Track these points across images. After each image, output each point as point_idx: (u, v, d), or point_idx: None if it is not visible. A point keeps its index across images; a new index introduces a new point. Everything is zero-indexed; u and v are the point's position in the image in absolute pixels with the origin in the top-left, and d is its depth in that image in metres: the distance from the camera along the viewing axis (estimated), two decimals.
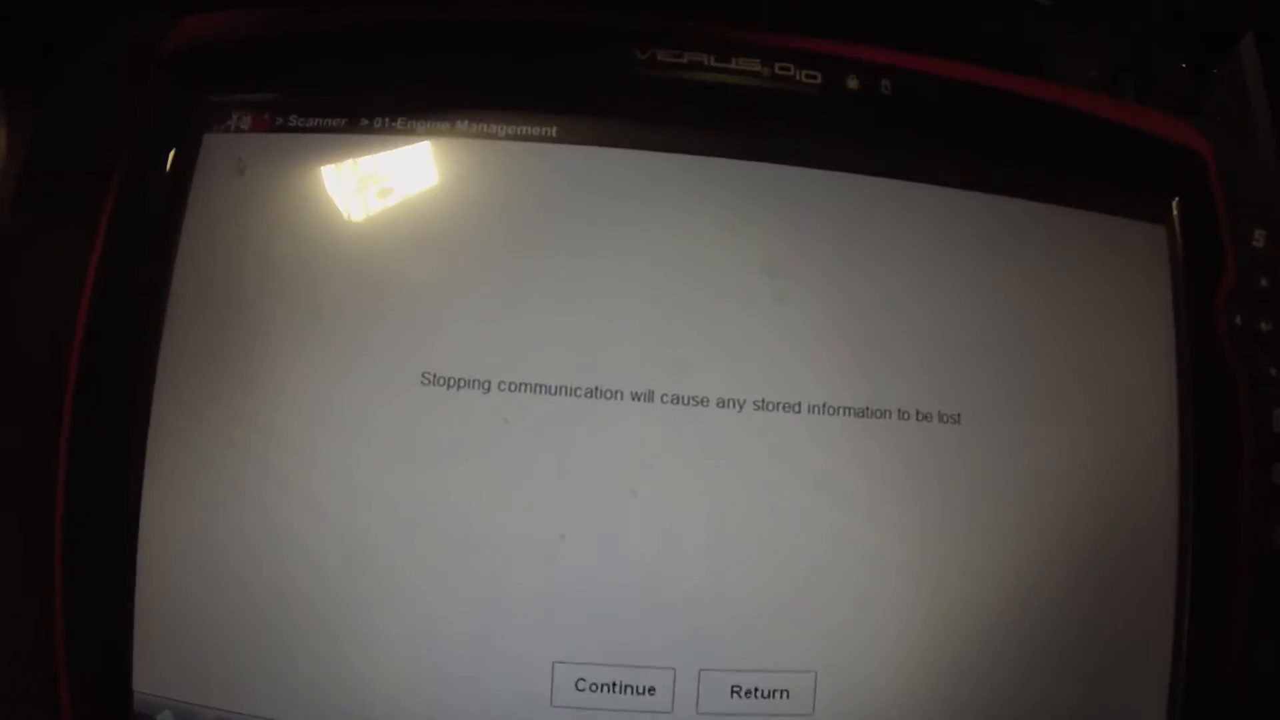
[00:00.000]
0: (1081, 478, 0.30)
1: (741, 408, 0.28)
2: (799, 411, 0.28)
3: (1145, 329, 0.32)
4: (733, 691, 0.27)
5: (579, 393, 0.27)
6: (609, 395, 0.27)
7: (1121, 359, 0.31)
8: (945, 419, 0.29)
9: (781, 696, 0.27)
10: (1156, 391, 0.31)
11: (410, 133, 0.29)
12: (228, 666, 0.27)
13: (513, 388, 0.27)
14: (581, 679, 0.27)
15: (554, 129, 0.29)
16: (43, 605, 0.28)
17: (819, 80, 0.30)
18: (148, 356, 0.28)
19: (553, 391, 0.27)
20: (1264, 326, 0.33)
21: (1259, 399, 0.33)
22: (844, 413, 0.28)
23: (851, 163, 0.30)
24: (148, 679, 0.28)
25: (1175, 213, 0.32)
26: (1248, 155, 0.36)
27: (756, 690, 0.27)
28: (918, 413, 0.29)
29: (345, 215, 0.29)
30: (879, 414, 0.29)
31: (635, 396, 0.27)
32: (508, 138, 0.29)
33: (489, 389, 0.27)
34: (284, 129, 0.29)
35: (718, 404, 0.28)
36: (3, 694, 0.28)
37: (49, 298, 0.29)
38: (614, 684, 0.27)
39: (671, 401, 0.28)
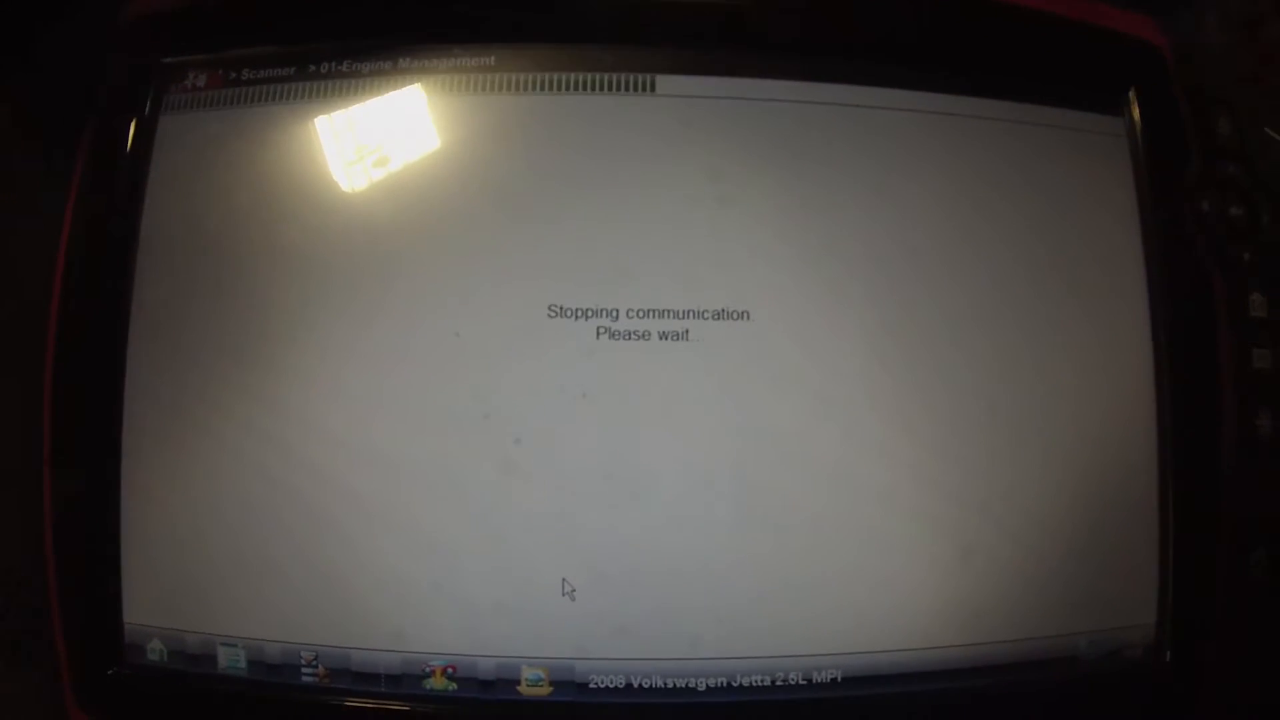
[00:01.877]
0: (1058, 382, 0.31)
1: (685, 316, 0.29)
2: (747, 320, 0.29)
3: (1112, 223, 0.32)
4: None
5: (529, 305, 0.29)
6: (560, 311, 0.29)
7: (1090, 256, 0.32)
8: (898, 307, 0.30)
9: None
10: (1128, 285, 0.32)
11: (356, 74, 0.31)
12: (209, 595, 0.30)
13: (468, 303, 0.29)
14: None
15: (492, 58, 0.30)
16: (34, 545, 0.30)
17: None
18: (122, 311, 0.30)
19: (502, 305, 0.29)
20: (1234, 212, 0.34)
21: (1234, 285, 0.33)
22: (791, 313, 0.29)
23: (794, 70, 0.31)
24: (137, 610, 0.30)
25: (1132, 103, 0.33)
26: (1210, 45, 0.37)
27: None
28: (877, 304, 0.30)
29: (301, 162, 0.31)
30: (834, 313, 0.30)
31: (581, 311, 0.29)
32: (448, 70, 0.31)
33: (437, 305, 0.29)
34: (238, 83, 0.31)
35: (657, 314, 0.29)
36: (2, 633, 0.31)
37: (28, 261, 0.32)
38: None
39: (613, 315, 0.29)
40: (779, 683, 0.29)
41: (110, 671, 0.30)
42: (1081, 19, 0.34)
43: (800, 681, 0.29)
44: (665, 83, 0.30)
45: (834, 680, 0.29)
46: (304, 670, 0.29)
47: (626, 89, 0.30)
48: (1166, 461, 0.31)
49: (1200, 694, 0.32)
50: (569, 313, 0.29)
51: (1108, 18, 0.35)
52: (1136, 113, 0.33)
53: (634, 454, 0.29)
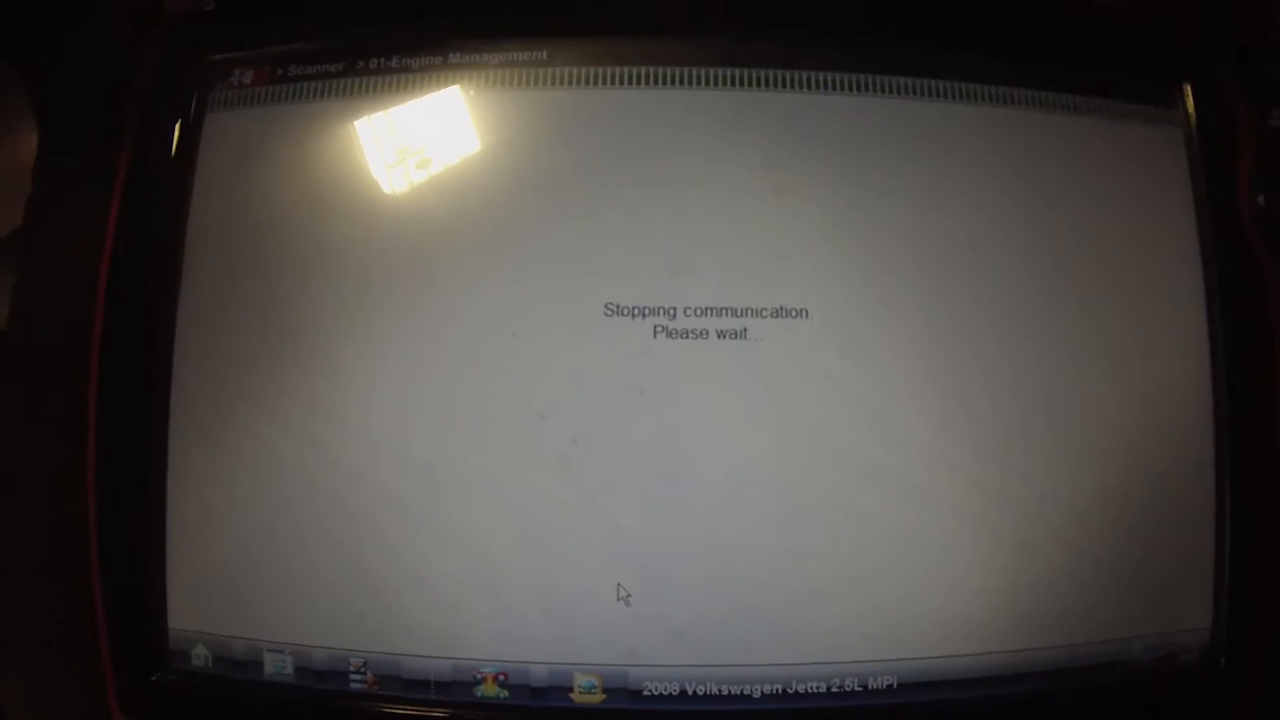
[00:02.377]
0: (1113, 380, 0.31)
1: (741, 314, 0.29)
2: (811, 307, 0.29)
3: (1167, 217, 0.32)
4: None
5: (584, 304, 0.29)
6: (614, 309, 0.29)
7: (1145, 251, 0.32)
8: (949, 308, 0.30)
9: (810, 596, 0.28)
10: (1184, 279, 0.32)
11: (406, 69, 0.31)
12: (256, 600, 0.29)
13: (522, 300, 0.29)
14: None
15: (545, 53, 0.30)
16: (79, 553, 0.30)
17: None
18: (169, 308, 0.30)
19: (558, 303, 0.29)
20: None
21: None
22: (846, 311, 0.29)
23: (848, 62, 0.31)
24: (182, 616, 0.30)
25: (1187, 95, 0.33)
26: (1265, 37, 0.37)
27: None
28: (929, 304, 0.30)
29: (350, 158, 0.31)
30: (890, 306, 0.29)
31: (635, 309, 0.29)
32: (500, 65, 0.30)
33: (491, 303, 0.29)
34: (284, 79, 0.31)
35: (726, 312, 0.29)
36: (45, 638, 0.31)
37: (73, 262, 0.32)
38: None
39: (667, 314, 0.29)
40: (835, 689, 0.29)
41: (154, 677, 0.30)
42: (1137, 12, 0.34)
43: (856, 688, 0.29)
44: (721, 75, 0.30)
45: (889, 686, 0.29)
46: (352, 677, 0.29)
47: (679, 83, 0.30)
48: (1223, 461, 0.31)
49: (1255, 699, 0.32)
50: (625, 311, 0.29)
51: (1161, 9, 0.34)
52: (1191, 105, 0.33)
53: (691, 455, 0.29)
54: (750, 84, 0.30)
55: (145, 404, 0.30)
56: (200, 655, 0.30)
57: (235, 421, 0.30)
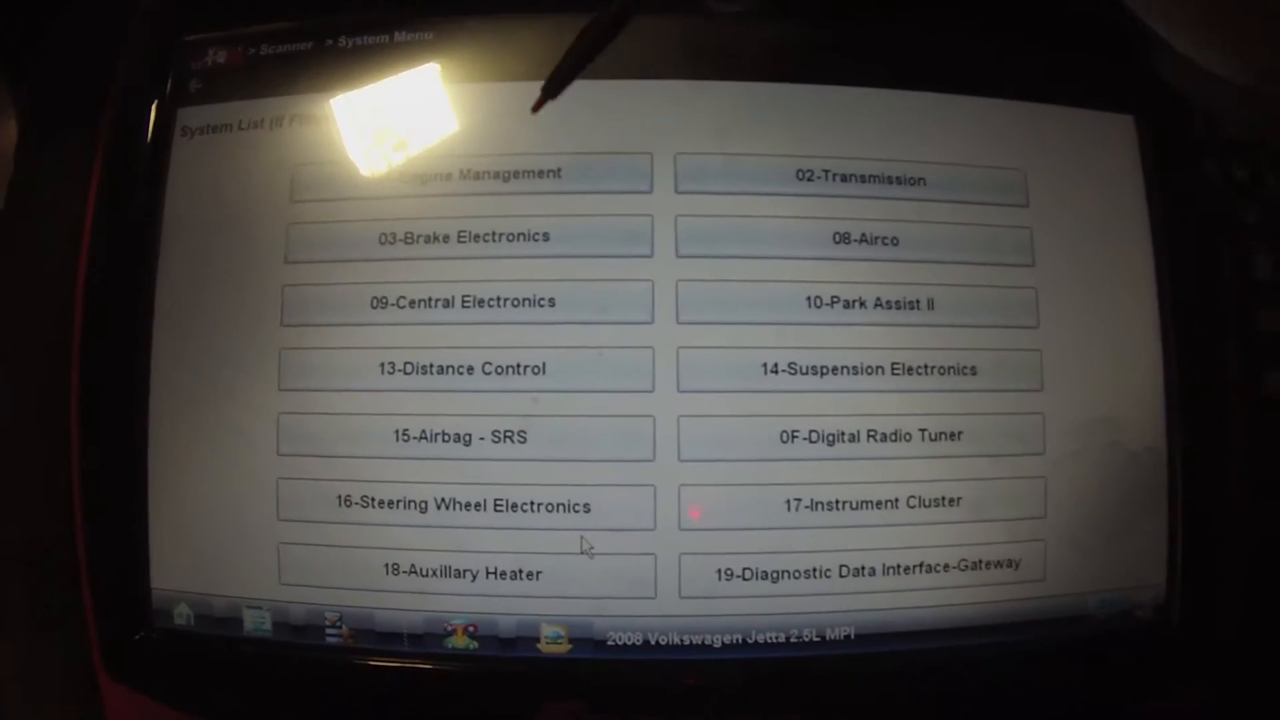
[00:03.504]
0: (1066, 343, 0.32)
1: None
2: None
3: (1117, 187, 0.33)
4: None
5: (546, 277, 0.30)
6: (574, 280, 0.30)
7: (1095, 219, 0.33)
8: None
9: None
10: (1134, 246, 0.33)
11: (377, 48, 0.32)
12: (234, 559, 0.31)
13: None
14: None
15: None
16: (63, 517, 0.32)
17: None
18: (147, 286, 0.32)
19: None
20: (1239, 174, 0.35)
21: (1239, 246, 0.34)
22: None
23: (810, 74, 0.32)
24: (164, 576, 0.31)
25: (1141, 81, 0.34)
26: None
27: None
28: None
29: (322, 136, 0.32)
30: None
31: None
32: (473, 45, 0.32)
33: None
34: (256, 58, 0.33)
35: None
36: (29, 597, 0.32)
37: (54, 239, 0.33)
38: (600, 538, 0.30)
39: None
40: (793, 639, 0.30)
41: (138, 636, 0.31)
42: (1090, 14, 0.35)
43: (814, 638, 0.30)
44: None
45: (847, 637, 0.31)
46: (328, 631, 0.31)
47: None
48: (1175, 423, 0.32)
49: (1209, 654, 0.33)
50: (585, 279, 0.30)
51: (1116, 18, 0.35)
52: (1146, 113, 0.33)
53: (649, 409, 0.30)
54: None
55: (126, 374, 0.31)
56: (182, 614, 0.31)
57: (212, 391, 0.31)
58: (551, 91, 0.26)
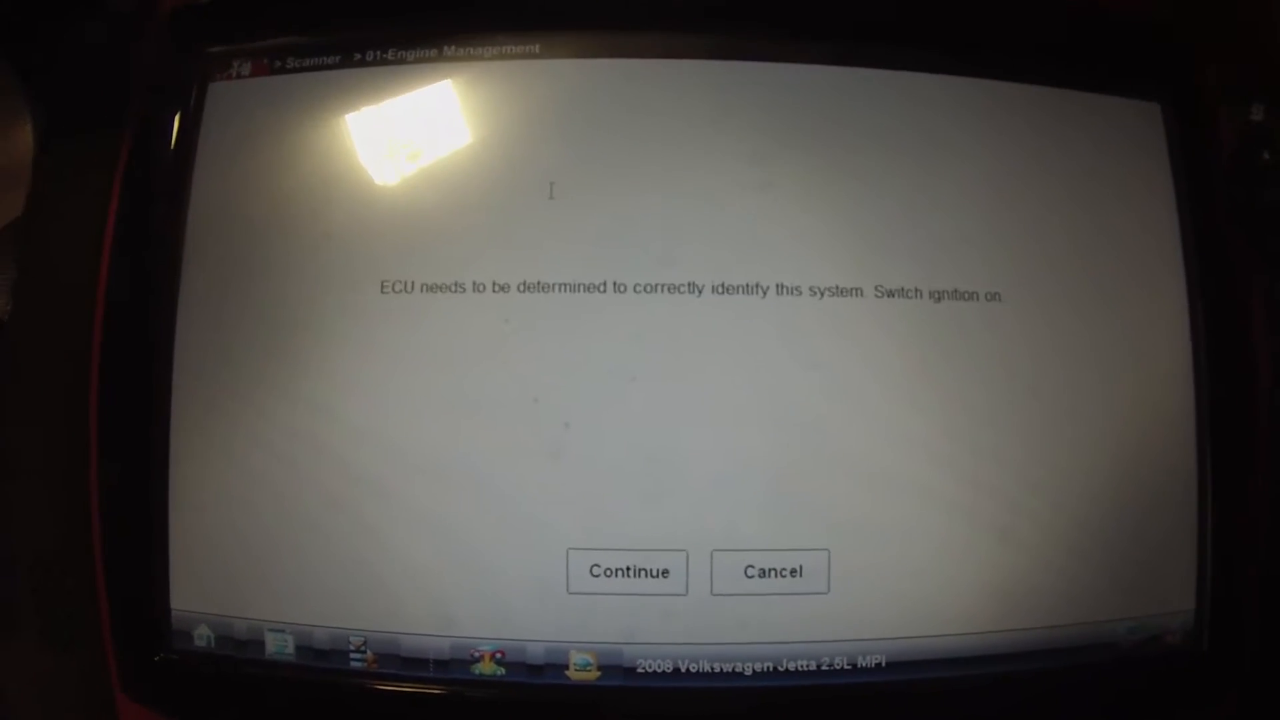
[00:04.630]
0: (1097, 369, 0.32)
1: (734, 292, 0.30)
2: (799, 294, 0.30)
3: (1150, 210, 0.33)
4: (746, 572, 0.30)
5: (576, 289, 0.30)
6: (603, 289, 0.30)
7: (1128, 245, 0.33)
8: (936, 296, 0.31)
9: (795, 575, 0.30)
10: (1166, 271, 0.33)
11: (401, 62, 0.32)
12: (258, 581, 0.31)
13: (515, 288, 0.30)
14: (596, 565, 0.30)
15: (537, 46, 0.32)
16: (82, 537, 0.32)
17: None
18: (169, 301, 0.32)
19: (551, 289, 0.30)
20: (1269, 197, 0.35)
21: (1271, 270, 0.34)
22: (845, 293, 0.31)
23: (831, 55, 0.32)
24: (184, 597, 0.31)
25: (1168, 90, 0.34)
26: (1245, 34, 0.38)
27: (770, 570, 0.30)
28: (919, 291, 0.31)
29: (346, 148, 0.32)
30: (886, 293, 0.31)
31: (631, 288, 0.30)
32: (494, 58, 0.32)
33: (485, 290, 0.30)
34: (282, 71, 0.33)
35: (711, 289, 0.30)
36: (46, 617, 0.32)
37: (73, 252, 0.33)
38: (627, 568, 0.30)
39: (665, 290, 0.30)
40: (825, 667, 0.30)
41: (157, 657, 0.31)
42: (1116, 6, 0.35)
43: (845, 666, 0.30)
44: (708, 68, 0.32)
45: (878, 665, 0.31)
46: (352, 656, 0.30)
47: (669, 75, 0.31)
48: (1205, 448, 0.32)
49: (1238, 679, 0.33)
50: (620, 289, 0.30)
51: (1142, 6, 0.36)
52: (1172, 101, 0.34)
53: (682, 442, 0.30)
54: (736, 76, 0.32)
55: (147, 389, 0.31)
56: (202, 635, 0.31)
57: (235, 406, 0.31)
58: None
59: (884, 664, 0.31)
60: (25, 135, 0.46)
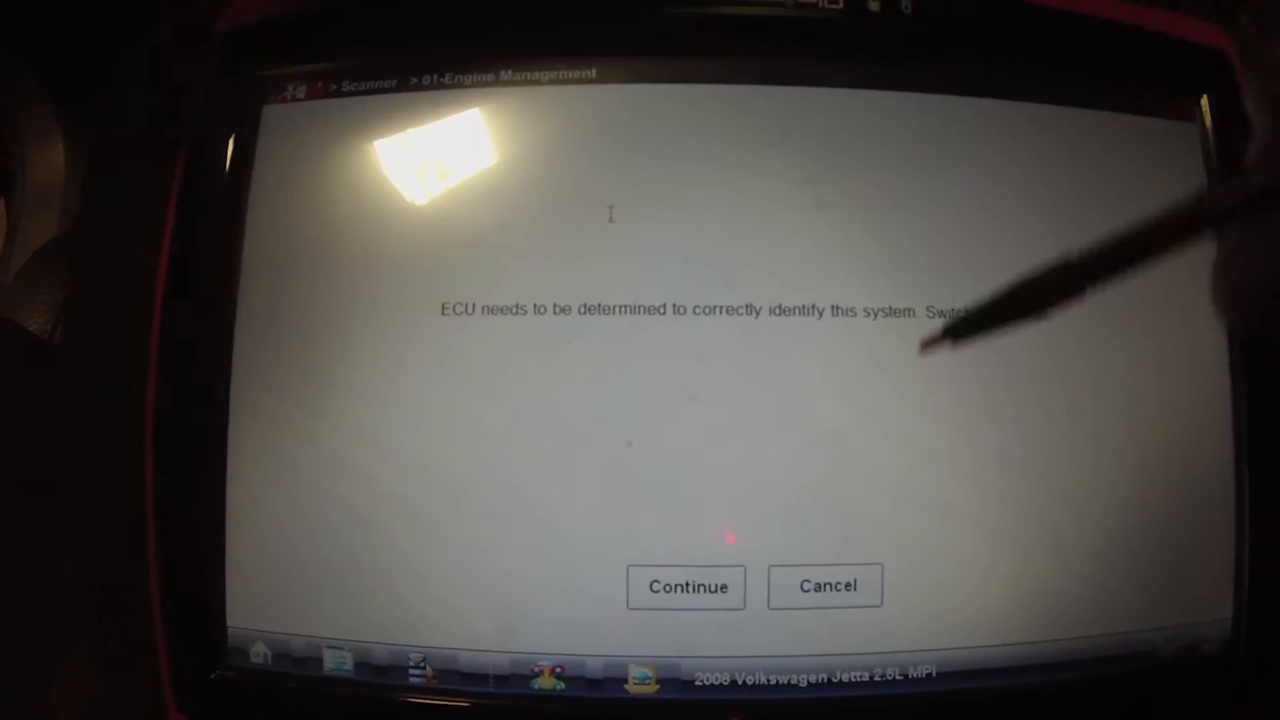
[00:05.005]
0: (1137, 383, 0.33)
1: (791, 313, 0.31)
2: (854, 315, 0.31)
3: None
4: (802, 586, 0.31)
5: (636, 310, 0.31)
6: (663, 310, 0.31)
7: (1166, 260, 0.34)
8: None
9: (849, 589, 0.31)
10: (1200, 287, 0.34)
11: (458, 86, 0.33)
12: (315, 598, 0.31)
13: (575, 310, 0.31)
14: (655, 580, 0.30)
15: (593, 70, 0.32)
16: (137, 554, 0.32)
17: (841, 5, 0.33)
18: (225, 324, 0.32)
19: (612, 311, 0.31)
20: None
21: None
22: (898, 314, 0.31)
23: (881, 80, 0.33)
24: (241, 614, 0.32)
25: (1204, 109, 0.35)
26: (1274, 54, 0.39)
27: (826, 584, 0.31)
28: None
29: (403, 171, 0.33)
30: (938, 314, 0.32)
31: (690, 310, 0.31)
32: (550, 83, 0.32)
33: (546, 312, 0.31)
34: (338, 94, 0.33)
35: (769, 311, 0.31)
36: (98, 634, 0.32)
37: (129, 271, 0.34)
38: (687, 584, 0.30)
39: (724, 312, 0.31)
40: (877, 678, 0.31)
41: (213, 675, 0.32)
42: (1153, 29, 0.36)
43: (897, 677, 0.31)
44: (762, 94, 0.32)
45: (929, 675, 0.31)
46: (412, 672, 0.31)
47: (724, 100, 0.32)
48: (1242, 458, 0.33)
49: (1275, 688, 0.34)
50: (680, 310, 0.31)
51: (1176, 26, 0.37)
52: (1208, 119, 0.35)
53: (738, 460, 0.31)
54: (789, 101, 0.33)
55: (204, 406, 0.32)
56: (259, 652, 0.32)
57: (293, 423, 0.32)
58: (957, 336, 0.22)
59: (934, 674, 0.31)
60: (58, 154, 0.47)
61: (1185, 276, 0.34)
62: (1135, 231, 0.19)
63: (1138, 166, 0.34)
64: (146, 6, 0.37)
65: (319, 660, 0.31)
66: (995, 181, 0.33)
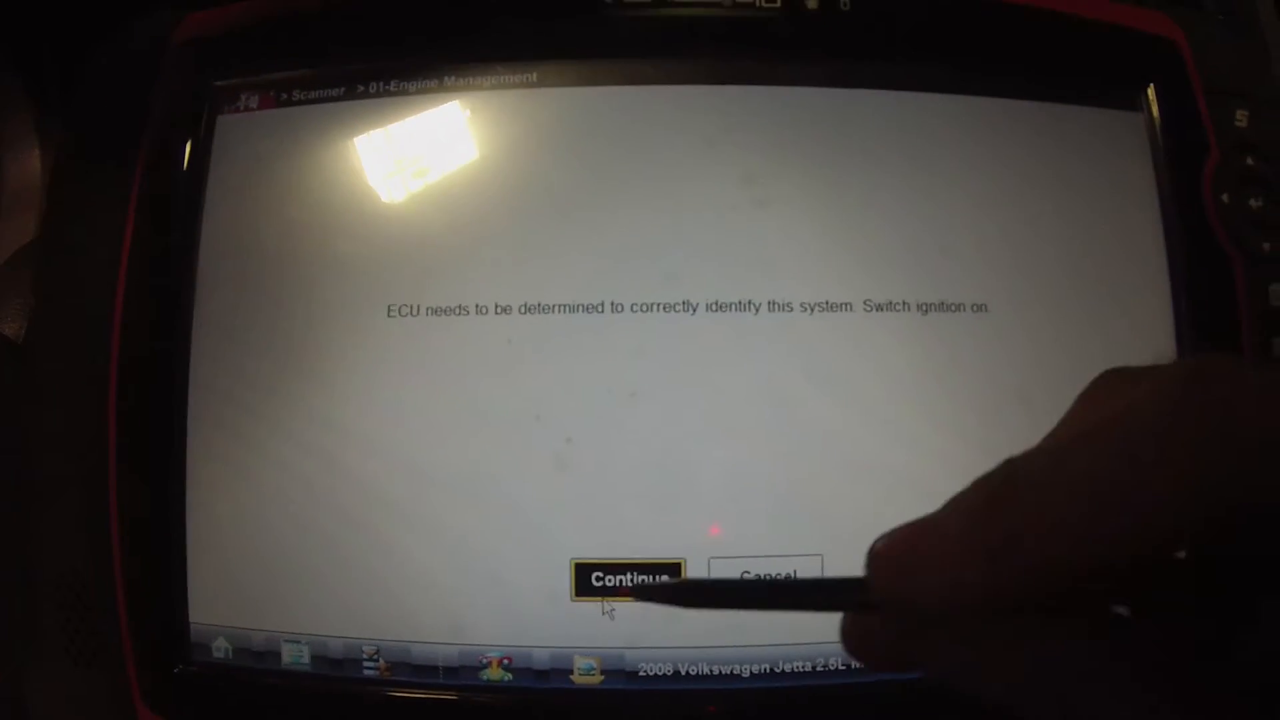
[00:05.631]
0: (1087, 374, 0.34)
1: (728, 309, 0.32)
2: (789, 310, 0.32)
3: (1135, 217, 0.35)
4: (743, 577, 0.31)
5: (575, 309, 0.32)
6: (601, 309, 0.32)
7: (1113, 251, 0.34)
8: (924, 308, 0.33)
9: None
10: (1151, 277, 0.35)
11: (403, 93, 0.34)
12: (274, 594, 0.32)
13: (516, 309, 0.32)
14: (598, 573, 0.31)
15: (534, 75, 0.33)
16: (102, 553, 0.33)
17: (779, 4, 0.34)
18: (184, 323, 0.33)
19: (551, 310, 0.32)
20: (1254, 204, 0.36)
21: (1254, 275, 0.36)
22: (835, 308, 0.32)
23: (821, 77, 0.34)
24: (202, 610, 0.33)
25: (1151, 99, 0.36)
26: (1230, 40, 0.39)
27: (766, 576, 0.31)
28: (906, 304, 0.33)
29: (351, 176, 0.34)
30: (875, 307, 0.32)
31: (629, 307, 0.32)
32: (492, 87, 0.34)
33: (487, 312, 0.32)
34: (289, 103, 0.34)
35: (706, 308, 0.32)
36: (68, 631, 0.34)
37: (89, 277, 0.35)
38: (629, 576, 0.31)
39: (661, 309, 0.32)
40: (820, 668, 0.32)
41: (177, 669, 0.33)
42: (1098, 17, 0.37)
43: (840, 666, 0.32)
44: (702, 93, 0.33)
45: None
46: (365, 664, 0.32)
47: (664, 101, 0.33)
48: None
49: None
50: (619, 309, 0.32)
51: (1125, 15, 0.37)
52: (1155, 108, 0.35)
53: (683, 452, 0.32)
54: (731, 101, 0.33)
55: (164, 408, 0.33)
56: (221, 647, 0.33)
57: (249, 426, 0.33)
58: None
59: None
60: (34, 159, 0.48)
61: (1139, 274, 0.36)
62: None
63: (1084, 157, 0.35)
64: (123, 14, 0.38)
65: (278, 654, 0.33)
66: (936, 174, 0.34)
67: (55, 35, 0.43)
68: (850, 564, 0.31)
